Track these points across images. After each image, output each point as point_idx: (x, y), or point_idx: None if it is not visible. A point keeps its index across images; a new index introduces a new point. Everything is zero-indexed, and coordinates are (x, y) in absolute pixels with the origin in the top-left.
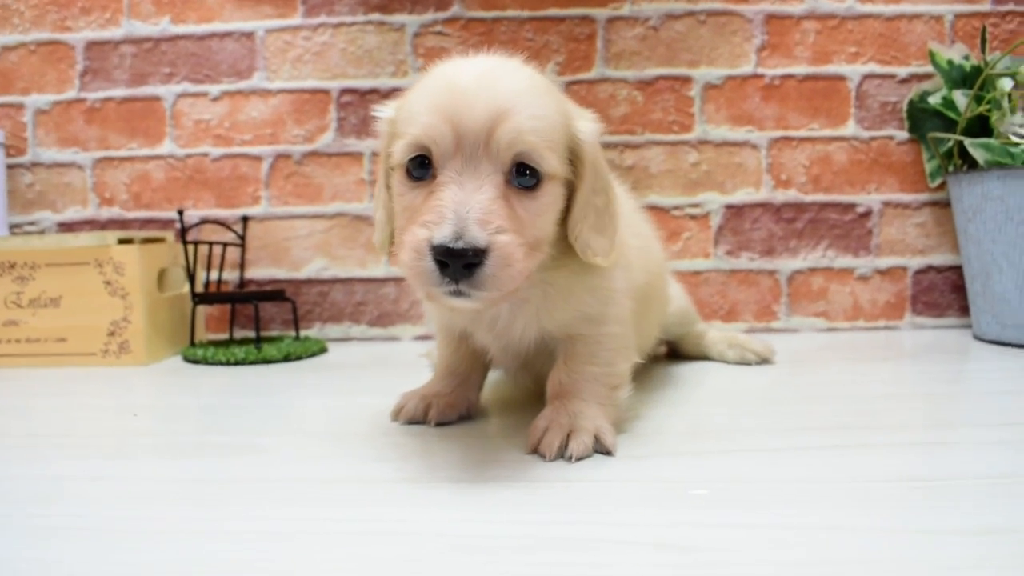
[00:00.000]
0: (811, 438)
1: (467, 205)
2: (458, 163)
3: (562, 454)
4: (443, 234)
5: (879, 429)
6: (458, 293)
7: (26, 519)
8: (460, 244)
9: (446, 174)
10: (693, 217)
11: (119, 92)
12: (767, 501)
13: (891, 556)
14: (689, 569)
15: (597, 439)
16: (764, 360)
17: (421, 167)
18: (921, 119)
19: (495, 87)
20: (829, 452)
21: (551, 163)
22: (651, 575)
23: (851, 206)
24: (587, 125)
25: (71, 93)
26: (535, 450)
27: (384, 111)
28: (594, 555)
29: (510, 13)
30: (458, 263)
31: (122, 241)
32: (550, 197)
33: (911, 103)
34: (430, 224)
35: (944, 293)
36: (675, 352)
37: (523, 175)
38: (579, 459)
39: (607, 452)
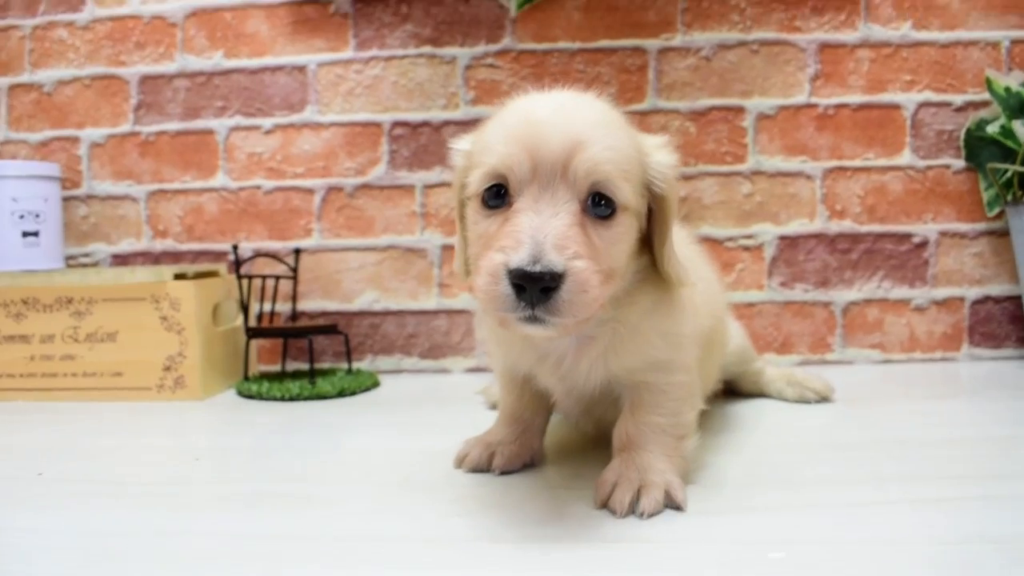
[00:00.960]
0: (879, 491)
1: (544, 230)
2: (535, 190)
3: (633, 510)
4: (520, 258)
5: (949, 479)
6: (533, 319)
7: None
8: (537, 268)
9: (523, 201)
10: (747, 248)
11: (173, 126)
12: (844, 565)
13: None
14: None
15: (667, 494)
16: (824, 398)
17: (497, 196)
18: (978, 148)
19: (572, 118)
20: (903, 507)
21: (626, 193)
22: None
23: (907, 236)
24: (664, 156)
25: (125, 127)
26: (604, 505)
27: (460, 143)
28: None
29: (561, 45)
30: (535, 287)
31: (177, 276)
32: (624, 227)
33: (968, 132)
34: (507, 249)
35: (1002, 324)
36: (732, 390)
37: (599, 204)
38: (650, 516)
39: (678, 507)
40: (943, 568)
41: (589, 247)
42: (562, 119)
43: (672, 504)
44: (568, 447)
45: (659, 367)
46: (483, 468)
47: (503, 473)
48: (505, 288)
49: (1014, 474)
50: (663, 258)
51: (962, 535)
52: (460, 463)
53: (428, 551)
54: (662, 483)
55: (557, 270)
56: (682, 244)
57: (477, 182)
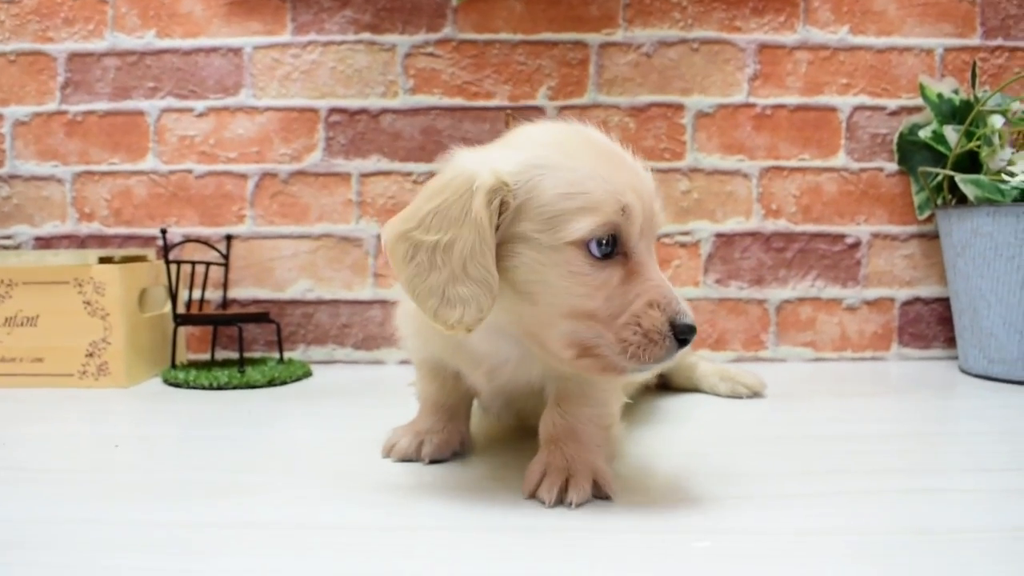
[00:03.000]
0: (808, 484)
1: (671, 285)
2: (645, 243)
3: (561, 500)
4: (687, 314)
5: (876, 473)
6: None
7: None
8: (694, 323)
9: (639, 253)
10: (683, 245)
11: (101, 105)
12: (769, 555)
13: None
14: None
15: (596, 484)
16: (755, 394)
17: (605, 245)
18: (911, 152)
19: (632, 163)
20: (829, 499)
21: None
22: None
23: (840, 237)
24: None
25: (52, 105)
26: (533, 495)
27: (486, 175)
28: None
29: (503, 36)
30: (693, 338)
31: (103, 260)
32: None
33: (901, 136)
34: (662, 305)
35: (930, 325)
36: (666, 384)
37: None
38: (578, 505)
39: (606, 497)
40: (867, 558)
41: None
42: (640, 167)
43: (600, 495)
44: (494, 438)
45: None
46: (412, 457)
47: (432, 462)
48: (671, 343)
49: (938, 469)
50: None
51: (887, 527)
52: (388, 452)
53: (352, 538)
54: (590, 473)
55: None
56: None
57: (586, 230)
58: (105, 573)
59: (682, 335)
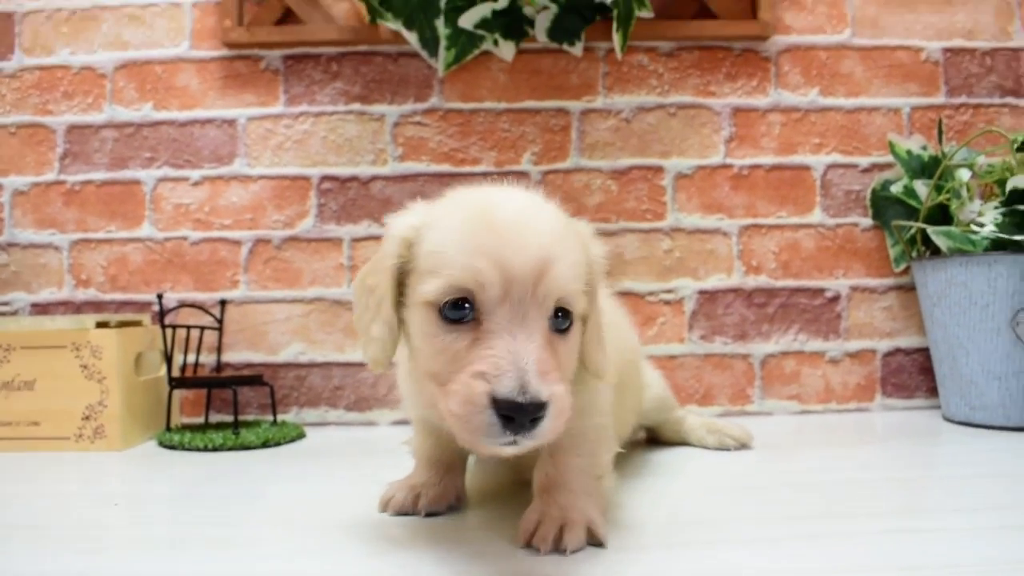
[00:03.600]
0: (796, 527)
1: (524, 357)
2: (507, 310)
3: (556, 547)
4: (509, 389)
5: (861, 517)
6: (513, 443)
7: None
8: (526, 399)
9: (494, 321)
10: (667, 303)
11: (99, 175)
12: None
13: None
14: None
15: (590, 531)
16: (743, 445)
17: (459, 309)
18: (884, 207)
19: (537, 230)
20: (815, 542)
21: (582, 304)
22: None
23: (820, 291)
24: (600, 249)
25: (50, 175)
26: (528, 543)
27: (397, 226)
28: None
29: (487, 104)
30: (525, 418)
31: (99, 324)
32: (578, 334)
33: (874, 191)
34: (488, 376)
35: (912, 375)
36: (655, 439)
37: (559, 318)
38: (573, 552)
39: (599, 544)
40: None
41: (556, 364)
42: (529, 231)
43: (594, 541)
44: (488, 491)
45: (577, 414)
46: (408, 511)
47: (428, 515)
48: (490, 418)
49: (925, 509)
50: (591, 346)
51: (875, 563)
52: (385, 506)
53: None
54: (584, 521)
55: (543, 399)
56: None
57: (435, 292)
58: None
59: (503, 411)
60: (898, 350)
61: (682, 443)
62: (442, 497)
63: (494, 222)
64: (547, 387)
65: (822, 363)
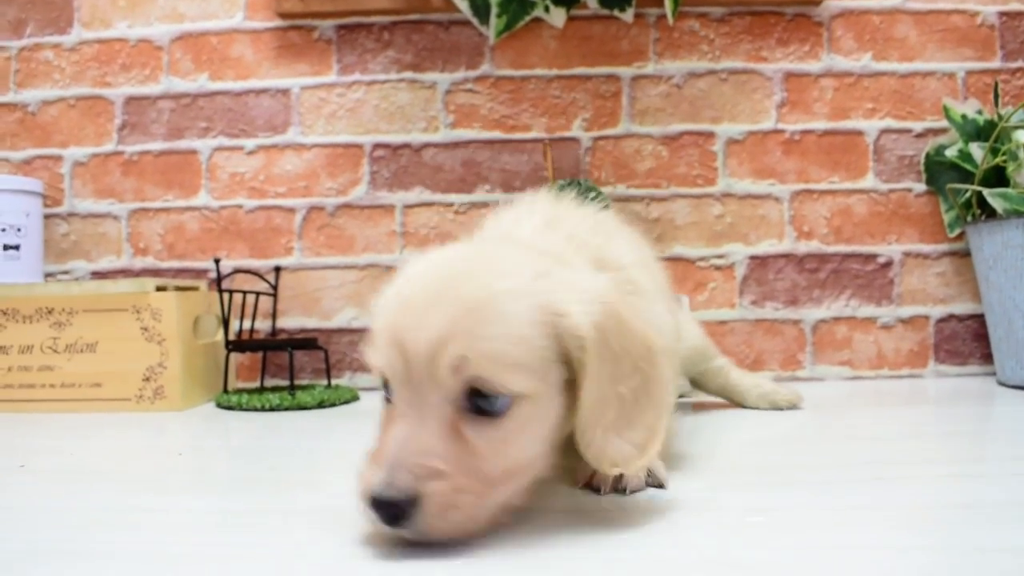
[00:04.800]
0: (854, 472)
1: (406, 446)
2: (407, 393)
3: (616, 487)
4: (376, 481)
5: (919, 463)
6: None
7: (65, 545)
8: (387, 495)
9: (399, 404)
10: (718, 268)
11: (156, 146)
12: (823, 525)
13: (948, 571)
14: None
15: (649, 472)
16: (793, 406)
17: (386, 388)
18: (938, 172)
19: (447, 299)
20: (870, 484)
21: (519, 383)
22: None
23: (872, 256)
24: (583, 311)
25: (109, 146)
26: (588, 484)
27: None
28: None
29: (538, 71)
30: (384, 514)
31: (158, 288)
32: (524, 419)
33: (928, 156)
34: (374, 465)
35: (966, 341)
36: (699, 385)
37: (484, 398)
38: (633, 492)
39: (659, 485)
40: (915, 527)
41: (465, 456)
42: (435, 302)
43: (654, 482)
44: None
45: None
46: None
47: None
48: (367, 507)
49: (979, 459)
50: (583, 437)
51: (928, 503)
52: None
53: None
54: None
55: (401, 498)
56: (620, 233)
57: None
58: (172, 552)
59: (372, 507)
60: (951, 316)
61: (728, 398)
62: None
63: (405, 296)
64: (417, 483)
65: (874, 329)
